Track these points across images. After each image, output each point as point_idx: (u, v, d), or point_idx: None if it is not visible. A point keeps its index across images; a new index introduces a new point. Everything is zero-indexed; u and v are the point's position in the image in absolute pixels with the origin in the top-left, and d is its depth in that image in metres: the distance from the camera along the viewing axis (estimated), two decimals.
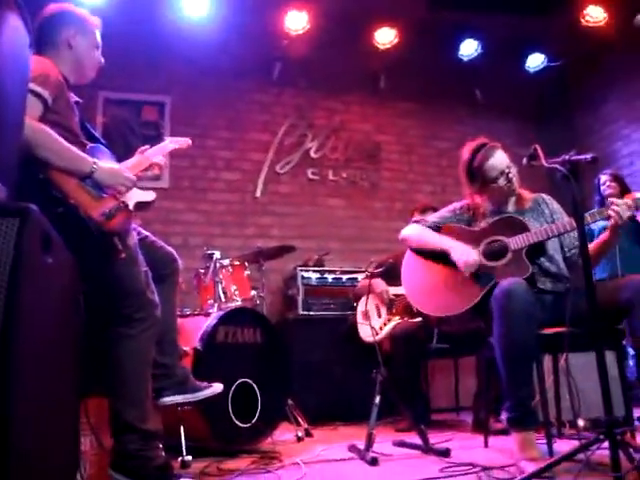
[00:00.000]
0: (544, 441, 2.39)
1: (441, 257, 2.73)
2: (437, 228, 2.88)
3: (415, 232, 2.92)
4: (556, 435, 2.79)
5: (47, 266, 1.35)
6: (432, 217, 2.96)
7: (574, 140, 5.99)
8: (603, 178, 4.28)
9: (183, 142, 2.78)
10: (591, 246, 2.59)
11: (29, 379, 1.22)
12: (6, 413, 1.11)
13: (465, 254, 2.63)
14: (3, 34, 1.37)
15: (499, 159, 2.75)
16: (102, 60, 2.35)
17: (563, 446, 2.46)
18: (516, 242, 2.60)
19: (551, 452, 2.32)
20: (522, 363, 2.31)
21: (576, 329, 2.27)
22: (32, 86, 1.89)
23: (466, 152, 2.85)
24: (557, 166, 2.33)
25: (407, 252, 2.96)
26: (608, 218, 2.47)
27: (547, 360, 2.90)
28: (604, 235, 2.59)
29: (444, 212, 2.95)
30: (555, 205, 2.85)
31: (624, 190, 4.15)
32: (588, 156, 2.30)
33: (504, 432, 2.74)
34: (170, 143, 2.73)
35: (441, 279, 2.72)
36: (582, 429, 2.89)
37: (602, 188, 4.25)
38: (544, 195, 2.90)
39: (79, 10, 2.31)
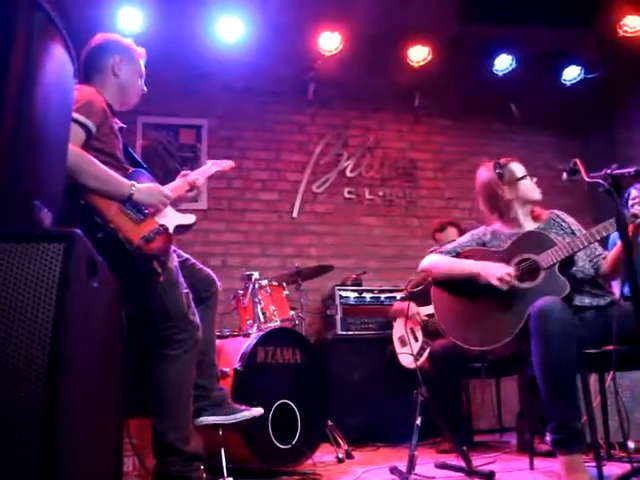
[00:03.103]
0: (593, 464, 2.31)
1: (467, 287, 2.63)
2: (457, 255, 2.81)
3: (436, 262, 2.82)
4: (605, 458, 2.69)
5: (92, 290, 1.38)
6: (450, 245, 2.90)
7: (616, 153, 5.87)
8: (633, 193, 4.11)
9: (225, 165, 2.82)
10: (611, 253, 2.58)
11: (74, 401, 1.24)
12: (52, 434, 1.12)
13: (495, 269, 2.54)
14: (48, 65, 1.41)
15: (518, 164, 2.85)
16: (145, 89, 2.42)
17: (614, 469, 2.38)
18: (547, 259, 2.51)
19: (601, 476, 2.25)
20: (563, 384, 2.24)
21: (623, 347, 2.20)
22: (76, 116, 1.95)
23: (485, 169, 2.87)
24: (599, 181, 2.29)
25: (432, 287, 2.84)
26: (635, 217, 2.39)
27: (593, 380, 2.83)
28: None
29: (461, 239, 2.91)
30: (570, 218, 2.83)
31: None
32: (631, 169, 2.25)
33: (550, 454, 2.67)
34: (212, 166, 2.77)
35: (476, 309, 2.61)
36: (633, 451, 2.79)
37: (630, 203, 4.09)
38: (556, 211, 2.87)
39: (125, 40, 2.39)
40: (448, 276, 2.74)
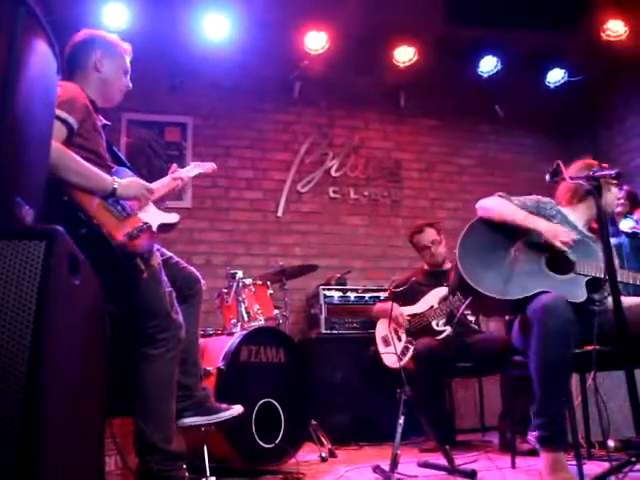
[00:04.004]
0: (574, 462, 2.34)
1: (508, 236, 2.62)
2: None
3: (500, 204, 2.73)
4: (585, 456, 2.72)
5: (74, 288, 1.36)
6: (515, 199, 2.78)
7: (598, 155, 5.92)
8: (618, 194, 4.14)
9: (208, 167, 2.81)
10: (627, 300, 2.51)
11: (56, 400, 1.23)
12: (34, 433, 1.11)
13: (562, 234, 2.54)
14: (31, 60, 1.40)
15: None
16: (130, 85, 2.40)
17: (593, 468, 2.40)
18: (583, 267, 2.52)
19: (581, 474, 2.27)
20: (556, 381, 2.27)
21: (604, 347, 2.23)
22: (58, 112, 1.92)
23: (586, 164, 2.73)
24: (581, 182, 2.31)
25: (477, 218, 2.75)
26: None
27: (575, 379, 2.85)
28: None
29: (527, 199, 2.78)
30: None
31: (634, 207, 4.05)
32: (612, 171, 2.29)
33: (532, 453, 2.69)
34: (195, 168, 2.76)
35: (501, 259, 2.58)
36: (612, 450, 2.82)
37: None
38: None
39: (109, 35, 2.36)
40: (505, 220, 2.65)
